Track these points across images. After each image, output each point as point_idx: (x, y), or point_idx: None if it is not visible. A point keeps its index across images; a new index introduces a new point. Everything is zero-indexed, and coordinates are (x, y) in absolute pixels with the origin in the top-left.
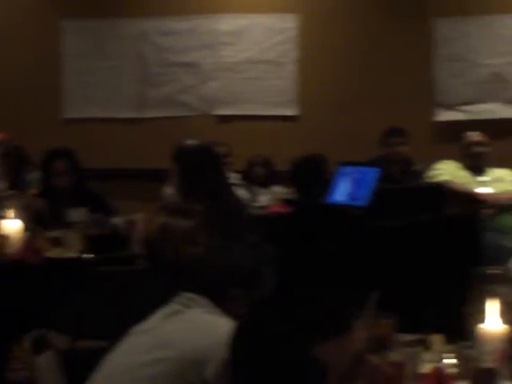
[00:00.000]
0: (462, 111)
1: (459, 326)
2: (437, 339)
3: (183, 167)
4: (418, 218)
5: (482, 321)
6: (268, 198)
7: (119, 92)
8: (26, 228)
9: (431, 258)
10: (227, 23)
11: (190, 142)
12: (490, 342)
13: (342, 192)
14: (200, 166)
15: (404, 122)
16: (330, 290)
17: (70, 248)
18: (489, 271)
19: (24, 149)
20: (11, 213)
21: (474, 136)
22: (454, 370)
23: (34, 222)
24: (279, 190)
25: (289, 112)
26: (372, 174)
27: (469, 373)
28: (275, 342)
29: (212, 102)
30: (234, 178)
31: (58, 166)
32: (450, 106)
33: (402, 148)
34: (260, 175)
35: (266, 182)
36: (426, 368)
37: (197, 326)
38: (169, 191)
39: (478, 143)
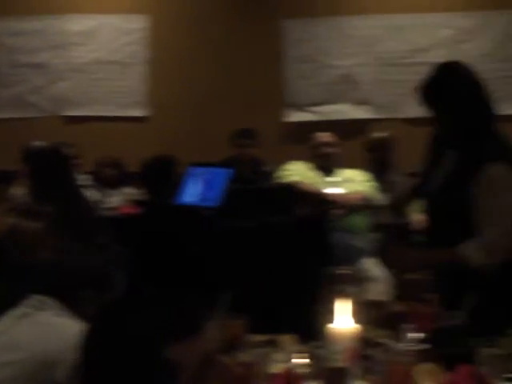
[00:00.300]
0: (312, 112)
1: (310, 326)
2: (287, 339)
3: (32, 168)
4: (269, 218)
5: (333, 320)
6: (118, 200)
7: None
8: None
9: (282, 258)
10: (77, 24)
11: (39, 143)
12: (340, 341)
13: (192, 193)
14: (49, 168)
15: (255, 122)
16: (181, 291)
17: None
18: (339, 271)
19: None
20: None
21: (324, 137)
22: (305, 370)
23: None
24: (129, 191)
25: (138, 113)
26: (223, 174)
27: (320, 372)
28: (126, 343)
29: (61, 103)
30: (83, 179)
31: None
32: (300, 107)
33: (251, 149)
34: (110, 176)
35: (116, 184)
36: (277, 368)
37: (47, 328)
38: (17, 192)
39: (328, 144)
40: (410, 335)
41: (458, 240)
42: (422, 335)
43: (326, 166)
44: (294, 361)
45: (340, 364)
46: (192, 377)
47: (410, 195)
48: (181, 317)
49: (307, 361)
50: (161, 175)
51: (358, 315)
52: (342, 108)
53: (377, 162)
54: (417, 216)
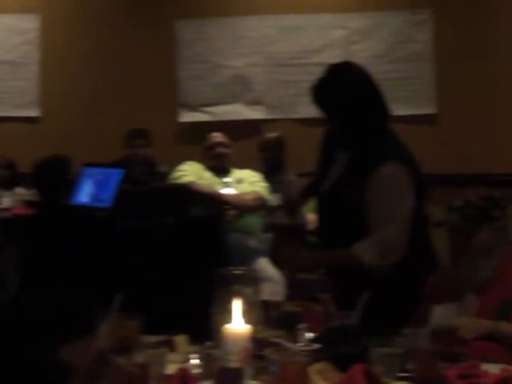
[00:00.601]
0: (206, 112)
1: (205, 327)
2: (182, 340)
3: None
4: (163, 219)
5: (227, 321)
6: (11, 200)
7: None
8: None
9: (177, 259)
10: None
11: None
12: (234, 341)
13: (86, 193)
14: None
15: (149, 123)
16: (74, 291)
17: None
18: (234, 271)
19: None
20: None
21: (217, 137)
22: (200, 371)
23: None
24: (22, 192)
25: (31, 113)
26: (115, 175)
27: (214, 373)
28: (17, 344)
29: None
30: None
31: None
32: (194, 108)
33: (144, 149)
34: (3, 177)
35: (9, 184)
36: (172, 369)
37: None
38: None
39: (221, 144)
40: (304, 335)
41: (350, 240)
42: (315, 335)
43: (220, 167)
44: (189, 361)
45: (234, 364)
46: (85, 377)
47: (303, 195)
48: (74, 317)
49: (201, 361)
50: (53, 176)
51: (253, 315)
52: (235, 108)
53: (270, 162)
54: (311, 216)
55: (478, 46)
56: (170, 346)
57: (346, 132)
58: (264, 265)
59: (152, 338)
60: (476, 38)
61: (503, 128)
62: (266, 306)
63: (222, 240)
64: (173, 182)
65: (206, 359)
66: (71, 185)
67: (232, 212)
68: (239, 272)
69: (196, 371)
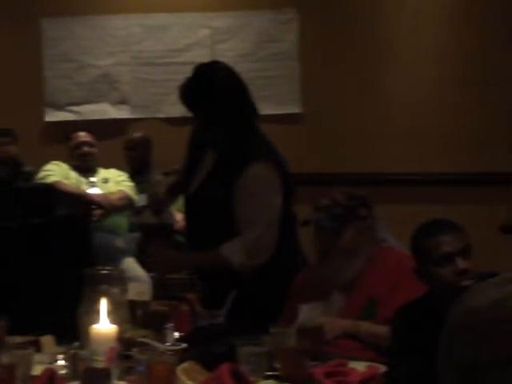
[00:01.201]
0: (71, 112)
1: (72, 327)
2: (48, 340)
3: None
4: (29, 219)
5: (94, 321)
6: None
7: None
8: None
9: (44, 259)
10: None
11: None
12: (101, 341)
13: None
14: None
15: (14, 122)
16: None
17: None
18: (100, 271)
19: None
20: None
21: (83, 136)
22: (67, 371)
23: None
24: None
25: None
26: None
27: (81, 373)
28: None
29: None
30: None
31: None
32: (60, 107)
33: (9, 148)
34: None
35: None
36: (38, 370)
37: None
38: None
39: (86, 143)
40: (172, 334)
41: (218, 240)
42: (182, 334)
43: (86, 166)
44: (56, 362)
45: (100, 364)
46: None
47: (169, 194)
48: None
49: (67, 362)
50: None
51: (119, 315)
52: (102, 108)
53: (136, 161)
54: (178, 215)
55: (343, 45)
56: (37, 347)
57: (214, 131)
58: (130, 264)
59: (18, 339)
60: (341, 38)
61: (369, 127)
62: (133, 305)
63: (89, 240)
64: (39, 181)
65: (72, 359)
66: None
67: (98, 212)
68: (106, 272)
69: (63, 372)
